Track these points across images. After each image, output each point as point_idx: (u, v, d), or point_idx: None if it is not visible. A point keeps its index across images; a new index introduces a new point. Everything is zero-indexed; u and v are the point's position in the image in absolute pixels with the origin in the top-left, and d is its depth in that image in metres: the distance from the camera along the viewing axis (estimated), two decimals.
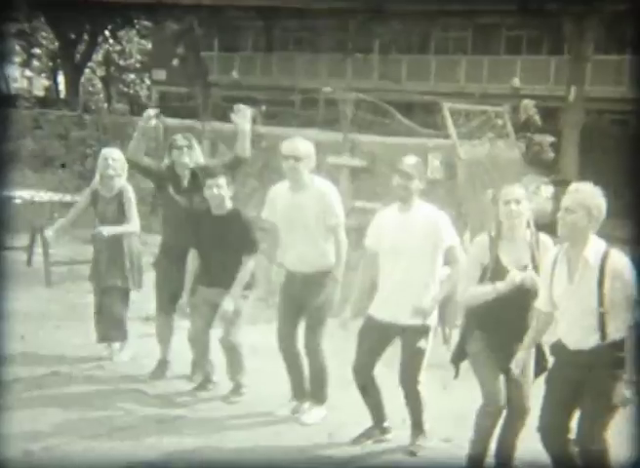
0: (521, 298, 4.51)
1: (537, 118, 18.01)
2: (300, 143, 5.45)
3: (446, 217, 5.03)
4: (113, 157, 6.61)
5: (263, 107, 17.55)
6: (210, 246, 5.79)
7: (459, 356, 4.84)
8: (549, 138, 17.72)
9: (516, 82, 27.47)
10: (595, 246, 4.16)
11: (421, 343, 4.98)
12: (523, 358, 4.44)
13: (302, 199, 5.42)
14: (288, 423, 5.51)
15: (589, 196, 4.16)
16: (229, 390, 5.95)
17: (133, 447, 5.04)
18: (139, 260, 6.75)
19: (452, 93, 23.65)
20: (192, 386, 6.07)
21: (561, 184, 16.70)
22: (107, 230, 6.51)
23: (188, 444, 5.12)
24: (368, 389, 5.18)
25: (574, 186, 4.22)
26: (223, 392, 5.96)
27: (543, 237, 4.65)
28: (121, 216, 6.61)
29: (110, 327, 6.62)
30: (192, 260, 5.90)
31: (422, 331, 4.99)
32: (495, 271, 4.53)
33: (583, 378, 4.21)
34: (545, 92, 25.31)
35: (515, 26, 27.52)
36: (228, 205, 5.81)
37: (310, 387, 5.64)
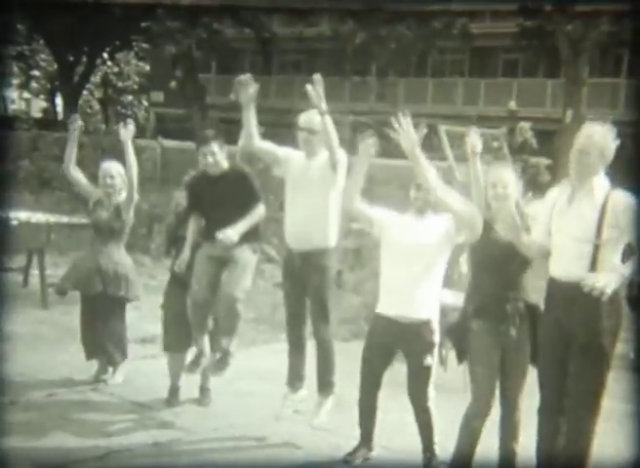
0: (511, 266, 4.55)
1: (533, 141, 18.09)
2: (314, 117, 5.41)
3: None
4: (111, 173, 6.43)
5: (261, 129, 17.60)
6: (212, 206, 5.69)
7: (461, 351, 4.79)
8: (546, 161, 17.79)
9: (513, 105, 27.60)
10: (602, 181, 4.26)
11: (428, 360, 4.94)
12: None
13: (313, 163, 5.41)
14: (285, 447, 5.47)
15: (603, 138, 4.24)
16: (217, 359, 5.84)
17: None
18: (125, 268, 6.49)
19: (448, 115, 23.76)
20: (188, 362, 5.97)
21: None
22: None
23: (185, 466, 5.09)
24: (372, 407, 5.15)
25: (587, 128, 4.28)
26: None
27: (531, 220, 4.65)
28: (115, 226, 6.40)
29: (99, 343, 6.51)
30: (194, 222, 5.83)
31: (428, 345, 4.93)
32: (483, 235, 4.57)
33: (573, 331, 4.20)
34: (542, 114, 25.45)
35: (512, 49, 27.71)
36: (224, 165, 5.72)
37: (317, 378, 5.56)
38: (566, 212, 4.28)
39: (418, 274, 4.92)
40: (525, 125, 18.59)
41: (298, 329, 5.61)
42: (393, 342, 5.03)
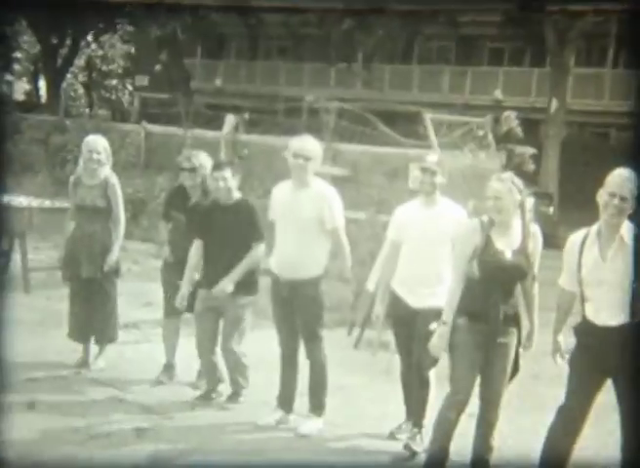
0: (508, 281, 4.63)
1: (518, 130, 18.10)
2: (309, 143, 5.41)
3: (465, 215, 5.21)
4: (97, 149, 6.43)
5: (247, 115, 17.61)
6: (217, 237, 5.68)
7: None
8: (530, 150, 17.82)
9: (498, 93, 27.61)
10: (628, 226, 4.37)
11: (433, 326, 4.92)
12: (557, 342, 4.59)
13: (302, 198, 5.35)
14: (274, 432, 5.46)
15: (636, 185, 4.34)
16: (227, 396, 5.91)
17: (111, 454, 4.97)
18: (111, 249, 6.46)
19: (434, 103, 23.72)
20: (196, 395, 5.98)
21: (542, 196, 16.81)
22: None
23: (167, 451, 5.06)
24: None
25: (623, 174, 4.35)
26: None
27: (533, 228, 4.76)
28: (101, 205, 6.41)
29: (88, 325, 6.51)
30: (195, 253, 5.79)
31: (436, 314, 4.93)
32: (485, 251, 4.62)
33: (610, 363, 4.33)
34: (527, 104, 25.45)
35: (498, 38, 27.69)
36: (236, 195, 5.74)
37: (310, 398, 5.53)
38: (602, 266, 4.38)
39: (428, 265, 5.09)
40: (510, 114, 18.61)
41: (292, 348, 5.54)
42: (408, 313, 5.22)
